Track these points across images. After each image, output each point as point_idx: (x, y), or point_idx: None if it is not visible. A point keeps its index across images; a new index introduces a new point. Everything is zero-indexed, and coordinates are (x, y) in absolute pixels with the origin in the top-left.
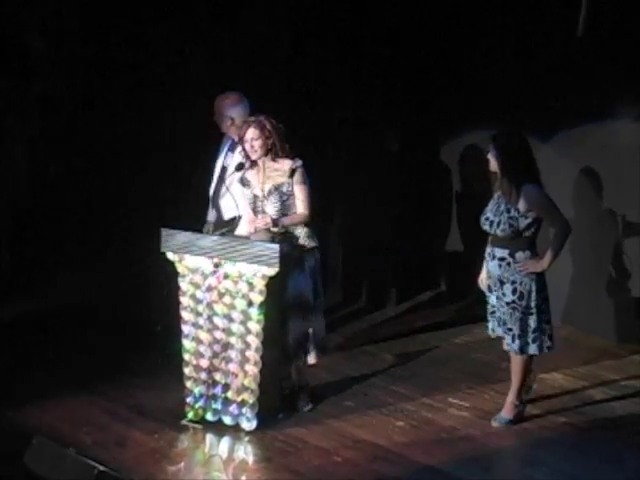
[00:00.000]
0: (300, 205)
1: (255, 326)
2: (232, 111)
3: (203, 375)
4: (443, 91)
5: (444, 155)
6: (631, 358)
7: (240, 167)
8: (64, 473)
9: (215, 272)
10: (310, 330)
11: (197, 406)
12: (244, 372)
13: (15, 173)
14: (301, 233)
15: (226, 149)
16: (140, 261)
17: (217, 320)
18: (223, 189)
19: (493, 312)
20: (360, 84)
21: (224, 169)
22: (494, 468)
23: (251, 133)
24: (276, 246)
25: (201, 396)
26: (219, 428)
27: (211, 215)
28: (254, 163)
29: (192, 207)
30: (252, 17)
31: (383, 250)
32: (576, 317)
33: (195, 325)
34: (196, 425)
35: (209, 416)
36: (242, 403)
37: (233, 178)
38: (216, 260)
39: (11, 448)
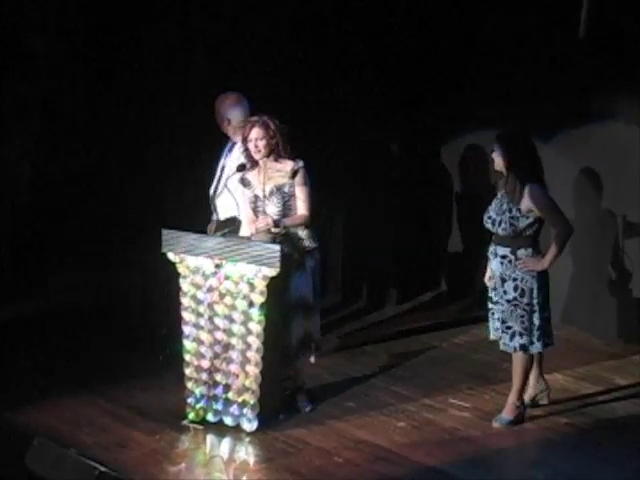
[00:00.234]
0: (301, 206)
1: (256, 327)
2: (230, 112)
3: (204, 376)
4: (444, 91)
5: (445, 155)
6: (632, 358)
7: (241, 168)
8: (65, 474)
9: (216, 273)
10: (311, 331)
11: (198, 407)
12: (245, 373)
13: (16, 173)
14: (302, 234)
15: (227, 149)
16: (140, 261)
17: (218, 321)
18: (219, 189)
19: (493, 313)
20: (361, 84)
21: (222, 169)
22: (495, 469)
23: (255, 133)
24: (277, 247)
25: (202, 397)
26: (220, 429)
27: (214, 215)
28: (255, 163)
29: (193, 207)
30: (252, 17)
31: (383, 250)
32: (576, 317)
33: (196, 326)
34: (197, 426)
35: (210, 417)
36: (243, 404)
37: (234, 178)
38: (217, 261)
39: (12, 449)
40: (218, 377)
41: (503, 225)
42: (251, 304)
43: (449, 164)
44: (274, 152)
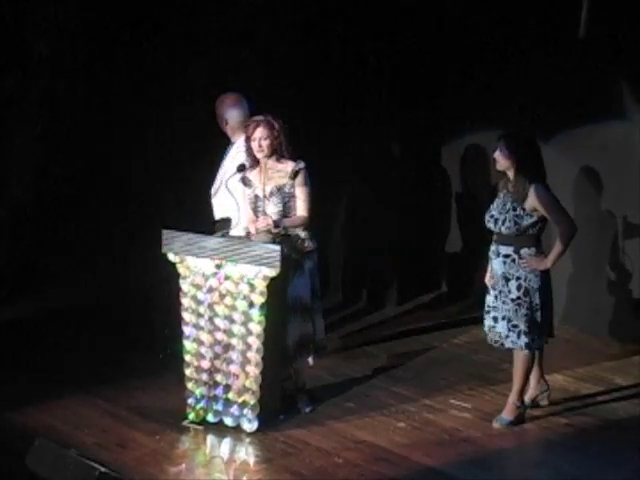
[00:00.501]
0: (301, 207)
1: (256, 327)
2: (229, 112)
3: (204, 376)
4: (444, 92)
5: (445, 156)
6: (632, 359)
7: (241, 168)
8: (65, 474)
9: (216, 273)
10: (309, 332)
11: (198, 407)
12: (245, 373)
13: (17, 173)
14: (301, 235)
15: (228, 150)
16: (141, 262)
17: (218, 321)
18: (216, 187)
19: (489, 311)
20: (361, 84)
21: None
22: (495, 469)
23: (260, 132)
24: (277, 247)
25: (202, 397)
26: (220, 429)
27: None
28: (256, 163)
29: (193, 207)
30: (253, 17)
31: (383, 251)
32: (576, 317)
33: (196, 326)
34: (197, 426)
35: (210, 417)
36: (243, 404)
37: (234, 178)
38: (217, 261)
39: (13, 449)
40: (218, 378)
41: (507, 223)
42: (251, 304)
43: (449, 164)
44: (276, 152)
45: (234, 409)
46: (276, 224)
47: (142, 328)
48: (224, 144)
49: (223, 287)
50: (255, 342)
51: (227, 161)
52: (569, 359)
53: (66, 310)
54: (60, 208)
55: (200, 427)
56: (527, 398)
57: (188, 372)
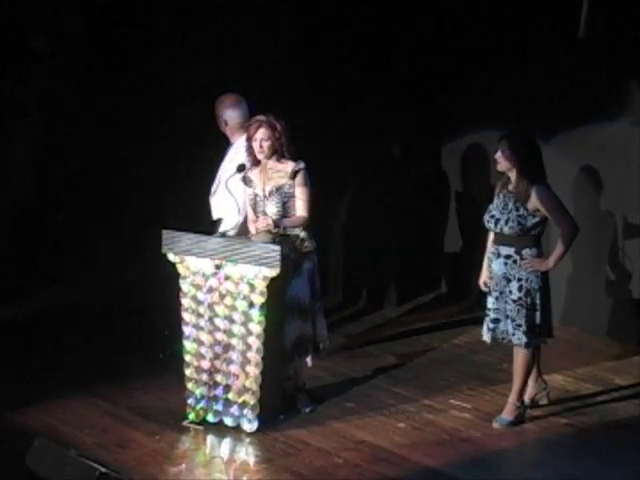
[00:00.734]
0: (300, 207)
1: (256, 327)
2: (228, 113)
3: (204, 376)
4: (444, 92)
5: (445, 156)
6: (631, 359)
7: (241, 168)
8: (65, 474)
9: (216, 273)
10: (308, 333)
11: (198, 407)
12: (245, 373)
13: (16, 173)
14: (300, 235)
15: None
16: (141, 261)
17: (218, 321)
18: (214, 188)
19: (488, 314)
20: (362, 85)
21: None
22: (495, 469)
23: (262, 133)
24: (277, 247)
25: (202, 397)
26: (220, 429)
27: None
28: (257, 162)
29: (193, 207)
30: (253, 17)
31: (383, 251)
32: (576, 318)
33: (196, 326)
34: (197, 426)
35: (210, 417)
36: (243, 404)
37: (234, 178)
38: (217, 261)
39: (12, 449)
40: (218, 378)
41: (510, 224)
42: (251, 305)
43: (449, 164)
44: (277, 153)
45: (234, 409)
46: (276, 224)
47: (142, 328)
48: (224, 145)
49: (223, 287)
50: (255, 342)
51: (226, 161)
52: (569, 359)
53: (66, 310)
54: (60, 208)
55: (200, 427)
56: (526, 398)
57: (188, 372)
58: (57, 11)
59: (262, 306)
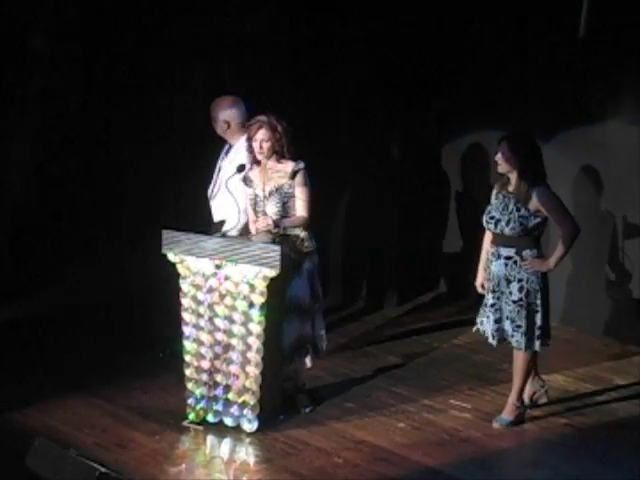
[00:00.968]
0: (300, 207)
1: (256, 327)
2: (226, 114)
3: (204, 377)
4: (444, 92)
5: (445, 156)
6: (631, 359)
7: (241, 168)
8: (65, 475)
9: (216, 273)
10: (307, 333)
11: (198, 407)
12: (245, 373)
13: (15, 172)
14: (300, 235)
15: (224, 152)
16: (141, 261)
17: (218, 321)
18: (215, 190)
19: (489, 317)
20: (362, 85)
21: (219, 171)
22: (495, 469)
23: (262, 134)
24: (277, 247)
25: (202, 397)
26: (220, 429)
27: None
28: (257, 163)
29: (193, 208)
30: (252, 16)
31: (383, 251)
32: (576, 318)
33: (196, 327)
34: (197, 426)
35: (210, 417)
36: (243, 404)
37: (234, 179)
38: (217, 261)
39: (12, 449)
40: (218, 378)
41: (512, 224)
42: (251, 305)
43: (449, 164)
44: (277, 153)
45: (234, 409)
46: (276, 224)
47: (142, 328)
48: (223, 146)
49: (223, 287)
50: (255, 342)
51: (225, 163)
52: (569, 359)
53: (66, 310)
54: (60, 208)
55: (200, 427)
56: (526, 397)
57: (188, 372)
58: (56, 10)
59: (262, 306)
